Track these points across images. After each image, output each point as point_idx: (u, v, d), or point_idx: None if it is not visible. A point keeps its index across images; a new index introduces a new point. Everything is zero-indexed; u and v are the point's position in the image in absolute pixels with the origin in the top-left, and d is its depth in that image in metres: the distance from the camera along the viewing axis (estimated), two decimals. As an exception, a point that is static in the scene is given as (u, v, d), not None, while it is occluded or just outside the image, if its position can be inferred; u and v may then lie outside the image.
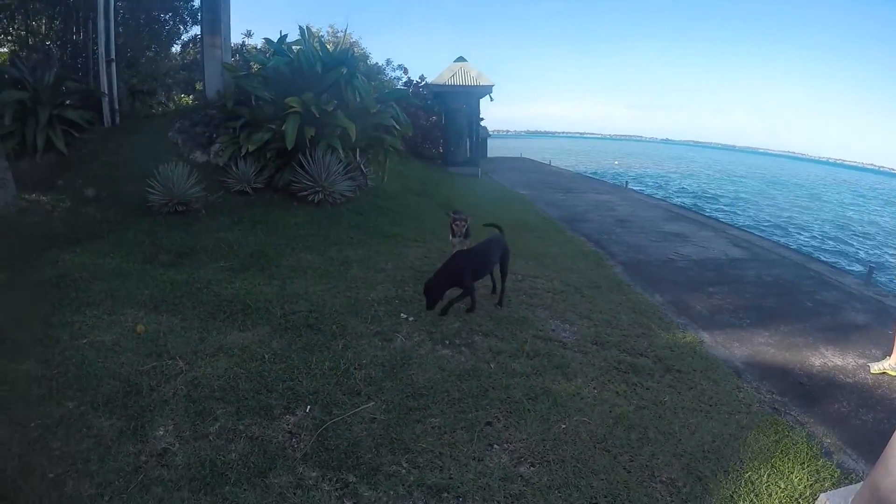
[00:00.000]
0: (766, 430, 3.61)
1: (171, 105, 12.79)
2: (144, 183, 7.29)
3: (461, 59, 19.17)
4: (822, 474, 3.20)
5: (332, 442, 3.14)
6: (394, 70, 23.21)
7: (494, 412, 3.54)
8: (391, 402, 3.56)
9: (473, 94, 18.87)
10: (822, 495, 2.86)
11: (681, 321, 5.56)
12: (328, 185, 8.19)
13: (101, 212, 7.28)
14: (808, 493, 3.02)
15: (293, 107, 7.95)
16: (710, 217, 14.37)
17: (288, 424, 3.28)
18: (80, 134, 8.91)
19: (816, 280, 7.51)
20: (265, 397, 3.52)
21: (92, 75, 10.23)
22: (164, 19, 14.91)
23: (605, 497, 2.86)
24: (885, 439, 2.43)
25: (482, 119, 21.05)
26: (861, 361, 4.86)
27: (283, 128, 7.91)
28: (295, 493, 2.73)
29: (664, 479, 3.03)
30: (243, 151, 8.33)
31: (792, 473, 3.18)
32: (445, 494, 2.80)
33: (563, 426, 3.44)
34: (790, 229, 17.96)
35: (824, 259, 11.18)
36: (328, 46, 9.90)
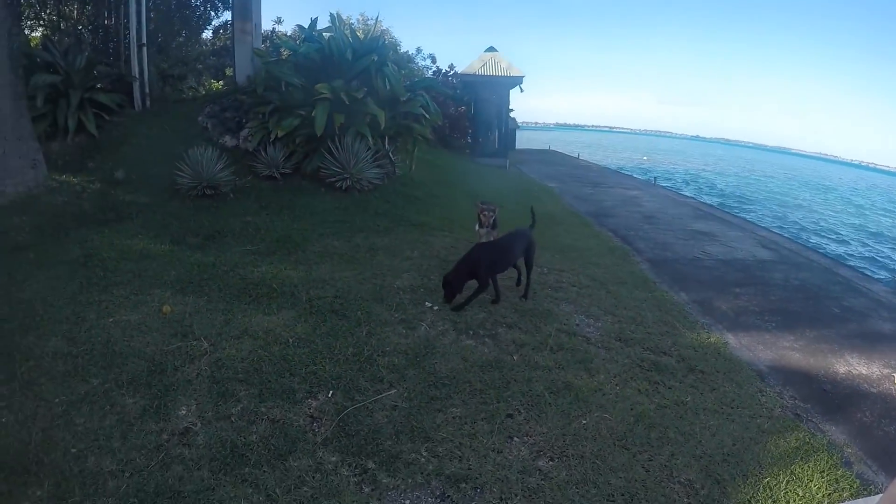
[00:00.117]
0: (786, 436, 3.55)
1: (201, 90, 12.90)
2: (174, 166, 7.36)
3: (492, 49, 19.05)
4: (840, 484, 3.14)
5: (352, 427, 3.16)
6: (423, 59, 23.23)
7: (516, 404, 3.53)
8: (413, 391, 3.57)
9: (503, 85, 18.76)
10: (839, 506, 2.82)
11: (705, 321, 5.48)
12: (356, 172, 8.19)
13: (129, 194, 7.37)
14: (826, 503, 2.97)
15: (323, 93, 7.96)
16: (738, 216, 14.13)
17: (310, 408, 3.32)
18: (111, 117, 9.02)
19: (844, 286, 7.34)
20: (288, 381, 3.55)
21: (123, 59, 10.35)
22: (196, 5, 15.08)
23: (623, 495, 2.84)
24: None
25: (511, 110, 20.93)
26: (886, 371, 4.74)
27: (313, 114, 7.91)
28: (314, 477, 2.76)
29: (682, 480, 3.00)
30: (272, 137, 8.36)
31: (811, 481, 3.12)
32: (463, 484, 2.81)
33: (584, 422, 3.43)
34: (821, 233, 17.63)
35: (853, 264, 10.94)
36: (359, 34, 9.89)
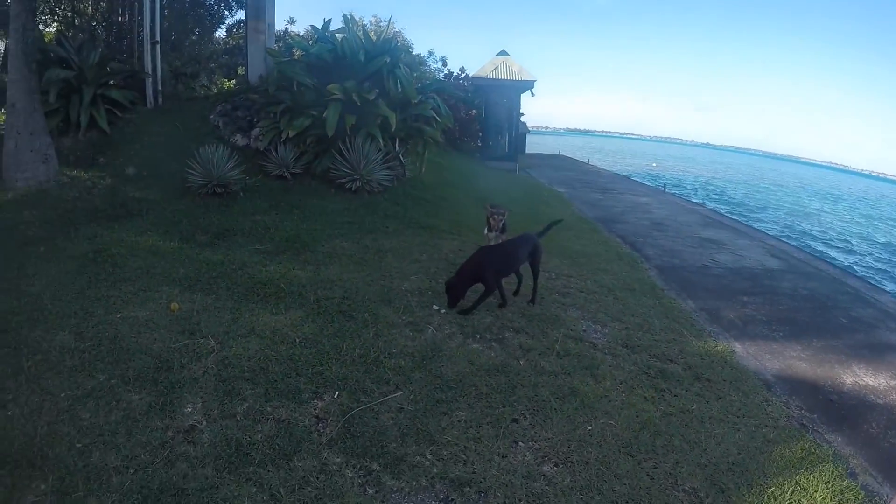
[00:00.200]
0: (792, 446, 3.53)
1: (213, 88, 12.97)
2: (184, 164, 7.41)
3: (503, 52, 19.04)
4: (845, 495, 3.12)
5: (357, 429, 3.17)
6: (435, 62, 23.27)
7: (521, 409, 3.53)
8: (419, 393, 3.57)
9: (514, 89, 18.72)
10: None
11: (713, 329, 5.46)
12: (366, 174, 8.22)
13: (140, 190, 7.41)
14: (830, 513, 2.96)
15: (335, 94, 7.99)
16: (747, 225, 14.05)
17: (315, 409, 3.32)
18: (123, 113, 9.07)
19: (853, 296, 7.29)
20: (294, 381, 3.56)
21: (136, 56, 10.40)
22: (209, 3, 15.17)
23: (627, 502, 2.83)
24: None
25: (522, 114, 20.89)
26: (893, 383, 4.70)
27: (324, 115, 7.95)
28: (318, 478, 2.77)
29: (687, 488, 2.99)
30: (283, 136, 8.41)
31: (816, 492, 3.10)
32: (467, 489, 2.81)
33: (589, 428, 3.42)
34: (830, 242, 17.51)
35: (862, 275, 10.87)
36: (371, 35, 9.92)
